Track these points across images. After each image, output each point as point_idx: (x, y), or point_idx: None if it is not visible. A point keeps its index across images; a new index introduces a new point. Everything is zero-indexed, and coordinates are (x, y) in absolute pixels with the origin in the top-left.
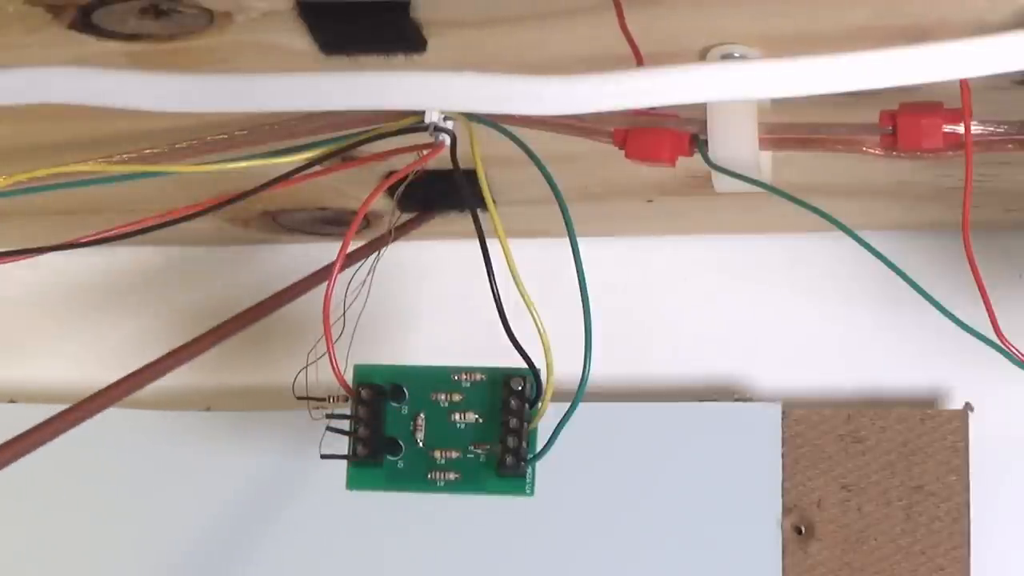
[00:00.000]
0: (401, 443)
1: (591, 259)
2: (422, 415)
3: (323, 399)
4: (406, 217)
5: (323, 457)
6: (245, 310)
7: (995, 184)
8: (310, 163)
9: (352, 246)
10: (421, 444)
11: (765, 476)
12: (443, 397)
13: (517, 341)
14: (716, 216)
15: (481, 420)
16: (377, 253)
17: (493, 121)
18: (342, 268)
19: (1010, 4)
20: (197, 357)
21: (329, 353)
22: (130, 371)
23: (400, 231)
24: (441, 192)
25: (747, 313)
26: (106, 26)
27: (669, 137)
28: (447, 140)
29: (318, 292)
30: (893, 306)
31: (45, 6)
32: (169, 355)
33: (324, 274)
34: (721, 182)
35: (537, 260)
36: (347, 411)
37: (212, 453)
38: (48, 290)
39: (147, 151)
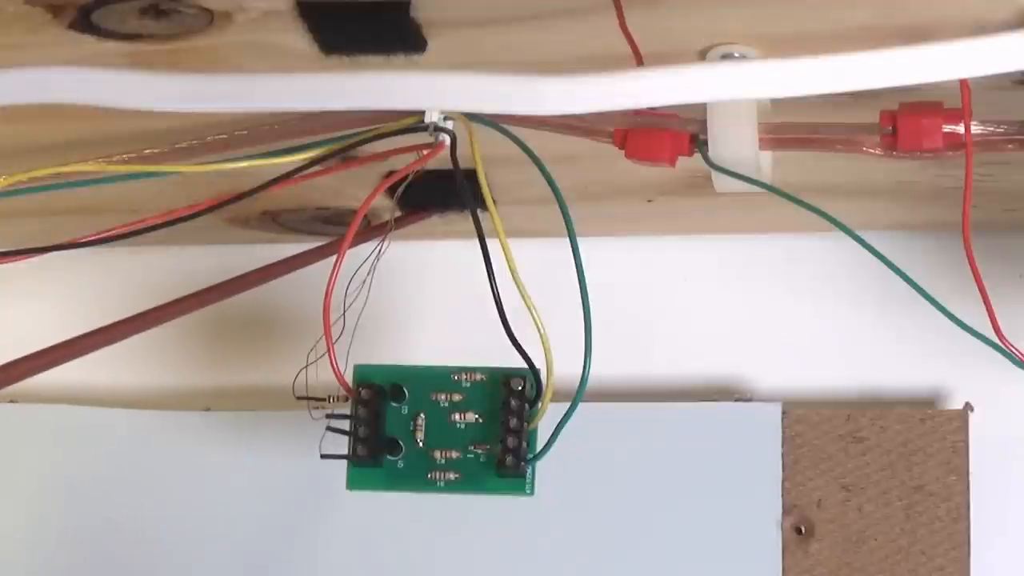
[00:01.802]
0: (401, 443)
1: (591, 259)
2: (422, 415)
3: (323, 399)
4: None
5: (323, 457)
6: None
7: (995, 184)
8: (310, 163)
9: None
10: (421, 444)
11: (765, 476)
12: (443, 397)
13: (517, 341)
14: (716, 216)
15: (481, 420)
16: (377, 253)
17: (493, 121)
18: (338, 269)
19: (1010, 4)
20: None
21: (329, 353)
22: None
23: (398, 223)
24: (441, 192)
25: (747, 313)
26: (106, 26)
27: (669, 137)
28: (447, 140)
29: (318, 292)
30: (893, 306)
31: (45, 6)
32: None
33: (282, 268)
34: (721, 182)
35: (537, 260)
36: (347, 411)
37: (212, 453)
38: (48, 290)
39: (147, 151)
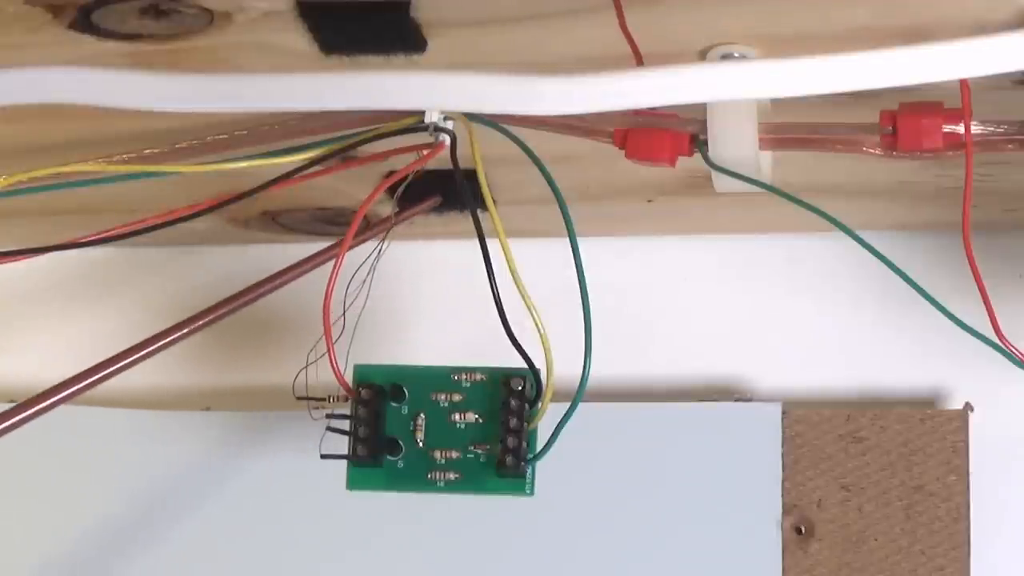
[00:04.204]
0: (401, 443)
1: (591, 259)
2: (422, 415)
3: (323, 399)
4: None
5: (323, 457)
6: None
7: (995, 184)
8: (310, 163)
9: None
10: (421, 444)
11: (765, 476)
12: (443, 397)
13: (517, 341)
14: (716, 216)
15: (481, 420)
16: (377, 253)
17: (493, 121)
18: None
19: (1010, 4)
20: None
21: (329, 353)
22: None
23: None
24: (441, 192)
25: (747, 313)
26: (106, 26)
27: (669, 137)
28: (447, 140)
29: (318, 292)
30: (893, 306)
31: (45, 6)
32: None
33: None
34: (721, 182)
35: (537, 260)
36: (347, 411)
37: (212, 453)
38: (49, 290)
39: (147, 151)
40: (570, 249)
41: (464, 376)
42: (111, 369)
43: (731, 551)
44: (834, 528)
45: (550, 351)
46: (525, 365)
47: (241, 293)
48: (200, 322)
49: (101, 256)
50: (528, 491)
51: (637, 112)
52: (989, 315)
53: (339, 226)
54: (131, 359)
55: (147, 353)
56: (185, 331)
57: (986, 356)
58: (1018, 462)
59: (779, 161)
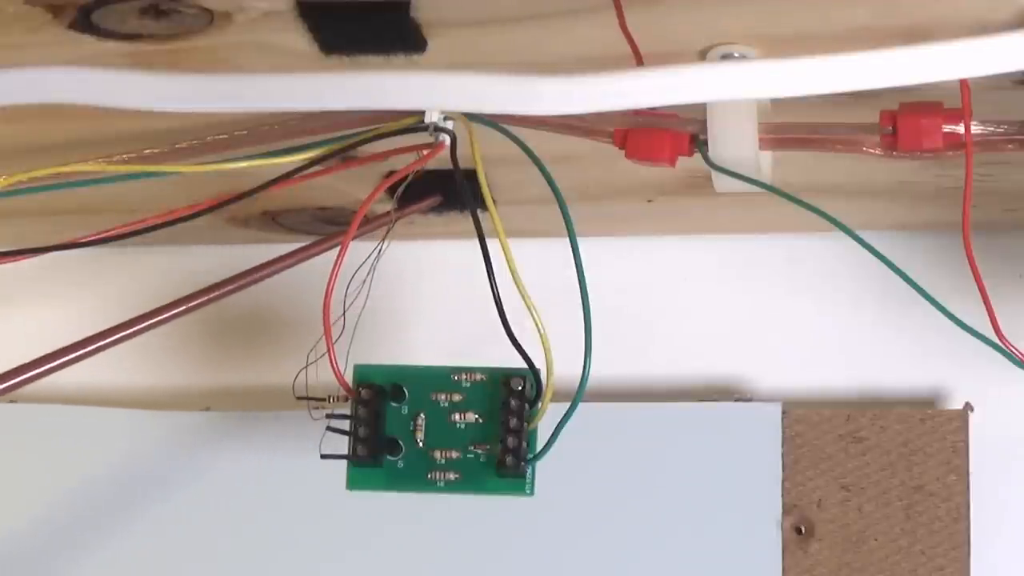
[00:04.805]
0: (401, 443)
1: (591, 259)
2: (422, 415)
3: (323, 399)
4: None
5: (323, 457)
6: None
7: (995, 184)
8: (310, 163)
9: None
10: (421, 444)
11: (765, 476)
12: (443, 397)
13: (517, 341)
14: (716, 216)
15: (481, 420)
16: (377, 253)
17: (493, 121)
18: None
19: (1010, 4)
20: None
21: (329, 353)
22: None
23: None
24: (441, 192)
25: (747, 313)
26: (106, 26)
27: (669, 137)
28: (447, 140)
29: (318, 292)
30: (893, 306)
31: (45, 6)
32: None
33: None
34: (721, 182)
35: (537, 260)
36: (347, 411)
37: (212, 453)
38: (48, 290)
39: (147, 151)
40: (570, 249)
41: (464, 376)
42: (99, 344)
43: (731, 551)
44: (834, 528)
45: (550, 351)
46: (525, 365)
47: (239, 276)
48: (199, 300)
49: (101, 256)
50: (528, 491)
51: (637, 112)
52: (989, 315)
53: (339, 226)
54: (113, 338)
55: (135, 331)
56: (183, 308)
57: (986, 356)
58: (1018, 462)
59: (779, 161)
